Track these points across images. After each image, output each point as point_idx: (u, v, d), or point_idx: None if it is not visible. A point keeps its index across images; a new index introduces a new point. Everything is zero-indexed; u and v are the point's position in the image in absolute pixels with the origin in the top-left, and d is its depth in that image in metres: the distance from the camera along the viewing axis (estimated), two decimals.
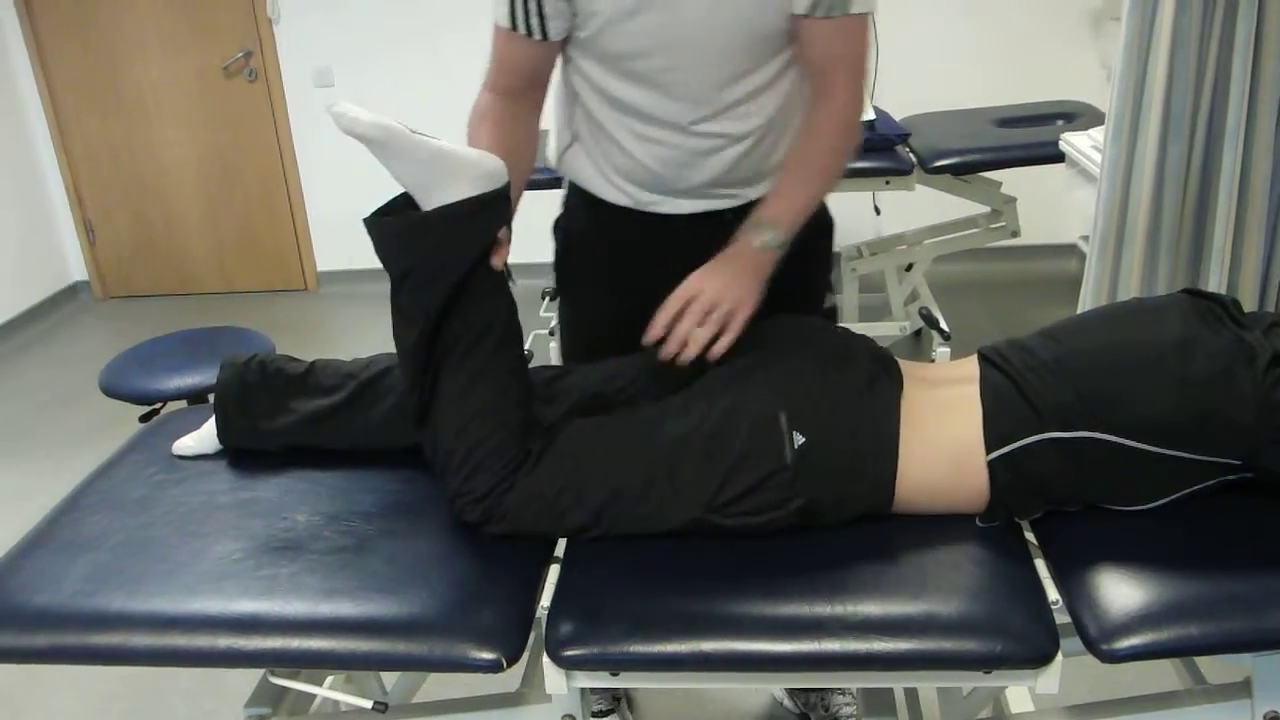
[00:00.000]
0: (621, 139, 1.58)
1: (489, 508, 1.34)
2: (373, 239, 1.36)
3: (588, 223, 1.72)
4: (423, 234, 1.34)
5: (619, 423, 1.38)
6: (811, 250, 1.59)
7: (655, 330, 1.39)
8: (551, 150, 1.71)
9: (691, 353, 1.37)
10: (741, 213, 1.56)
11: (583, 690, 1.32)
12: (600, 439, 1.36)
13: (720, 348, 1.37)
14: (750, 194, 1.61)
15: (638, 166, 1.59)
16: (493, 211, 1.37)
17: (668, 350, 1.38)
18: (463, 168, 1.36)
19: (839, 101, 1.51)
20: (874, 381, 1.36)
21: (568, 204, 1.79)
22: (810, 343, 1.41)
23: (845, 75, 1.50)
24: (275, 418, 1.53)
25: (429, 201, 1.37)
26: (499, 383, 1.37)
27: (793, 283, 1.54)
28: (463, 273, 1.34)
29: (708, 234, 1.55)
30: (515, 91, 1.55)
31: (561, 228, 1.79)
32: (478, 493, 1.34)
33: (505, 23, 1.51)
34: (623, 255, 1.69)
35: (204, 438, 1.57)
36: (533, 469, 1.34)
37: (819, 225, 1.69)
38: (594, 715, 2.06)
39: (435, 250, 1.34)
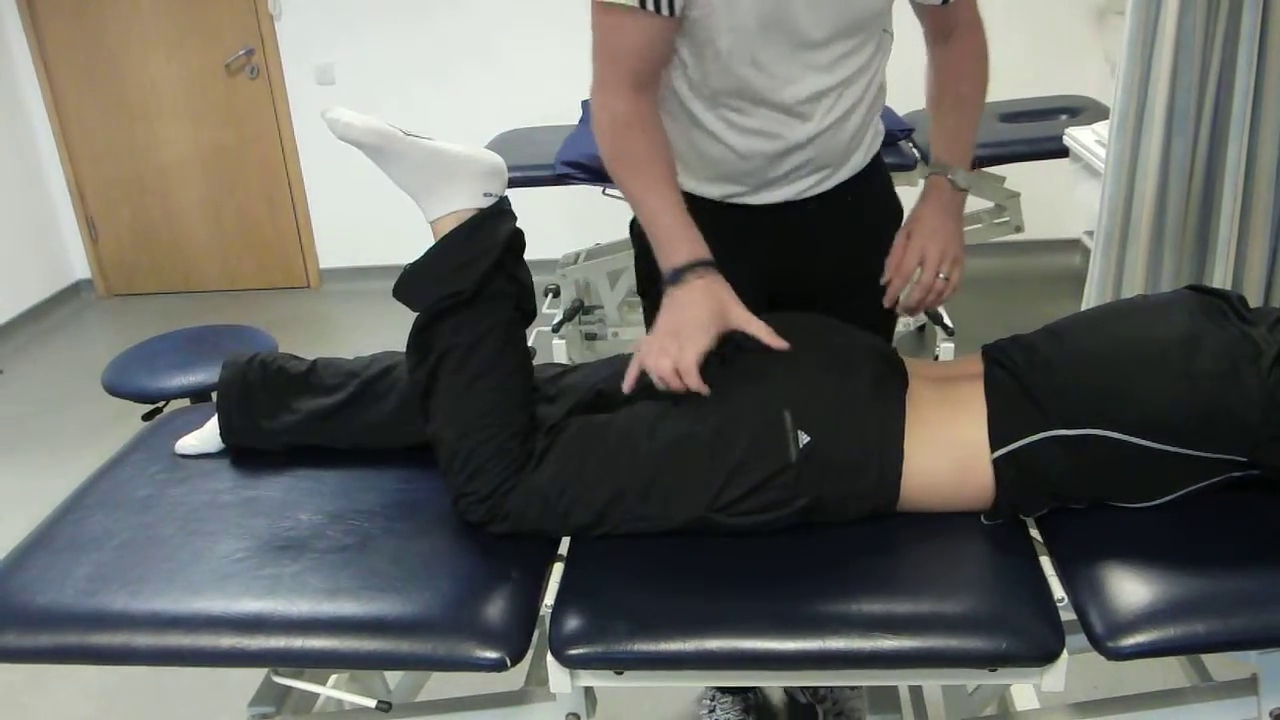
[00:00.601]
0: (715, 129, 1.53)
1: (492, 508, 1.34)
2: (401, 298, 1.38)
3: None
4: (434, 269, 1.36)
5: (622, 421, 1.37)
6: (885, 239, 1.59)
7: (890, 299, 1.55)
8: None
9: (932, 302, 1.54)
10: (824, 199, 1.60)
11: (586, 689, 1.31)
12: (603, 438, 1.35)
13: (947, 293, 1.54)
14: (831, 180, 1.61)
15: (728, 155, 1.56)
16: (495, 221, 1.38)
17: (911, 302, 1.55)
18: (460, 166, 1.36)
19: (968, 45, 1.57)
20: (879, 381, 1.35)
21: None
22: (814, 341, 1.40)
23: (968, 32, 1.56)
24: (278, 417, 1.53)
25: (430, 205, 1.37)
26: (501, 385, 1.37)
27: (862, 270, 1.58)
28: (475, 284, 1.34)
29: (792, 224, 1.60)
30: (642, 83, 1.45)
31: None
32: (481, 493, 1.33)
33: (632, 1, 1.39)
34: (716, 251, 1.63)
35: (207, 437, 1.57)
36: (535, 469, 1.34)
37: (891, 214, 1.71)
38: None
39: (447, 279, 1.35)
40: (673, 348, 1.32)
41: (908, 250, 1.55)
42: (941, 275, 1.54)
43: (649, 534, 1.32)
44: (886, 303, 1.55)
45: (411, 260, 1.39)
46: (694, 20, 1.41)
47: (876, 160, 1.69)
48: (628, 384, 1.36)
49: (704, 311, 1.34)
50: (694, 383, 1.31)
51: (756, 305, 1.42)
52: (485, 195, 1.40)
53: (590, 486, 1.32)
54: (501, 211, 1.41)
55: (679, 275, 1.37)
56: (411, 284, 1.37)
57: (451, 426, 1.36)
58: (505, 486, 1.33)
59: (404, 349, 1.53)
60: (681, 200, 1.44)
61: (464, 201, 1.38)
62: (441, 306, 1.35)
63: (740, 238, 1.60)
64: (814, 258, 1.65)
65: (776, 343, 1.34)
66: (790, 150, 1.54)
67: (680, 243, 1.40)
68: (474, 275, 1.35)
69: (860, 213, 1.66)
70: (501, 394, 1.36)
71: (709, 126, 1.53)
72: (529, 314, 1.44)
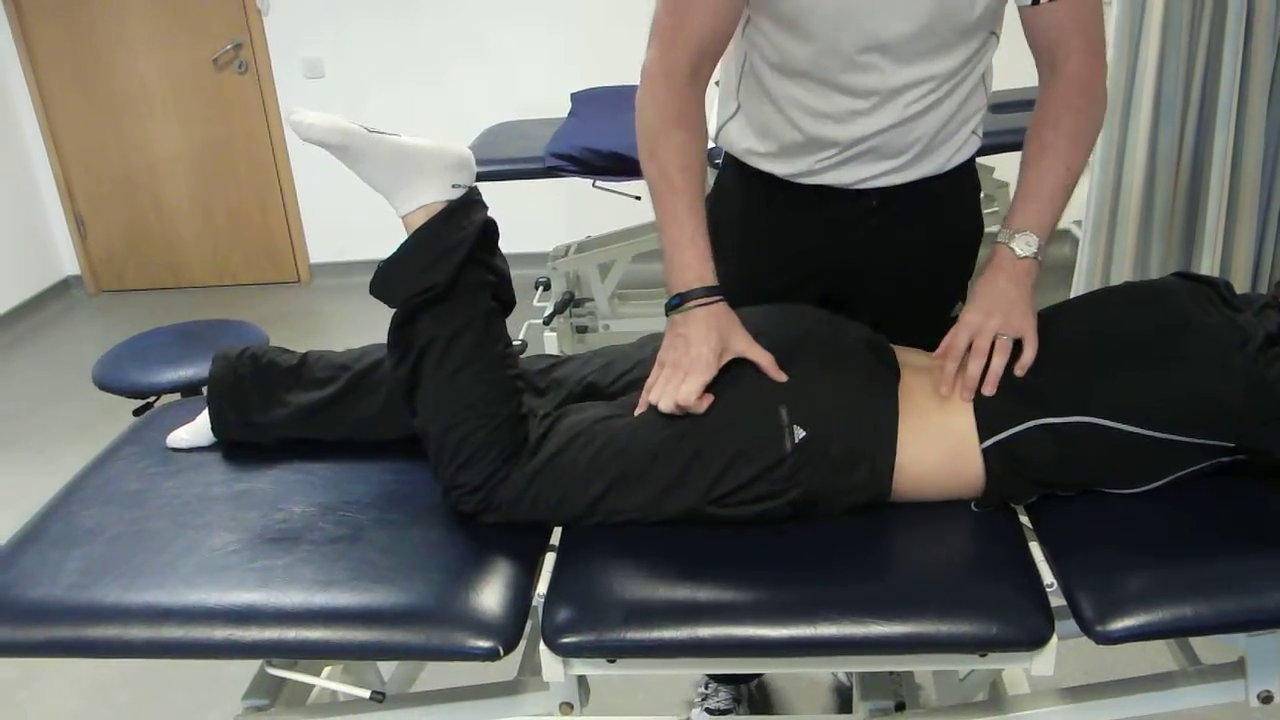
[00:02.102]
0: (786, 108, 1.50)
1: (484, 498, 1.34)
2: (378, 295, 1.37)
3: (743, 204, 1.62)
4: (408, 264, 1.35)
5: (618, 423, 1.36)
6: (956, 254, 1.51)
7: (945, 384, 1.35)
8: (711, 125, 1.58)
9: (990, 390, 1.32)
10: (886, 197, 1.55)
11: (579, 678, 1.32)
12: (598, 429, 1.35)
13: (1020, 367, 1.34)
14: (899, 176, 1.55)
15: (795, 134, 1.52)
16: (465, 212, 1.37)
17: (968, 393, 1.33)
18: (428, 161, 1.35)
19: (1070, 73, 1.42)
20: (873, 374, 1.35)
21: (719, 183, 1.68)
22: (808, 333, 1.40)
23: (1079, 41, 1.41)
24: (269, 410, 1.52)
25: (399, 201, 1.37)
26: (484, 376, 1.36)
27: (937, 284, 1.51)
28: (450, 276, 1.34)
29: (852, 216, 1.56)
30: (700, 67, 1.40)
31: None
32: (471, 484, 1.33)
33: None
34: (778, 233, 1.60)
35: (198, 430, 1.57)
36: (529, 459, 1.34)
37: (966, 231, 1.65)
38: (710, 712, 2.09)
39: (422, 273, 1.34)
40: (676, 381, 1.32)
41: (959, 327, 1.39)
42: (1004, 337, 1.34)
43: (641, 523, 1.33)
44: (942, 391, 1.35)
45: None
46: None
47: (962, 171, 1.61)
48: (638, 412, 1.36)
49: (706, 346, 1.33)
50: (697, 410, 1.31)
51: (792, 289, 1.41)
52: (454, 187, 1.38)
53: (584, 477, 1.32)
54: (472, 202, 1.40)
55: (683, 301, 1.36)
56: (387, 280, 1.36)
57: (437, 420, 1.36)
58: (496, 477, 1.33)
59: None
60: (703, 214, 1.40)
61: (433, 195, 1.37)
62: (418, 301, 1.34)
63: (798, 218, 1.58)
64: (873, 260, 1.61)
65: (777, 375, 1.33)
66: (856, 136, 1.49)
67: (690, 261, 1.37)
68: (448, 268, 1.34)
69: (929, 219, 1.60)
70: (485, 385, 1.36)
71: (781, 104, 1.50)
72: (508, 304, 1.43)
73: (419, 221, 1.37)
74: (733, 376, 1.34)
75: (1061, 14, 1.39)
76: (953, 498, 1.34)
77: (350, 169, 1.36)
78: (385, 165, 1.34)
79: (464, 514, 1.36)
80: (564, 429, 1.36)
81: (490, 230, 1.41)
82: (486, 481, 1.33)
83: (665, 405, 1.31)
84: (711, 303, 1.36)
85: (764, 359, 1.35)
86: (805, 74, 1.46)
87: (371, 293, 1.37)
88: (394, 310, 1.36)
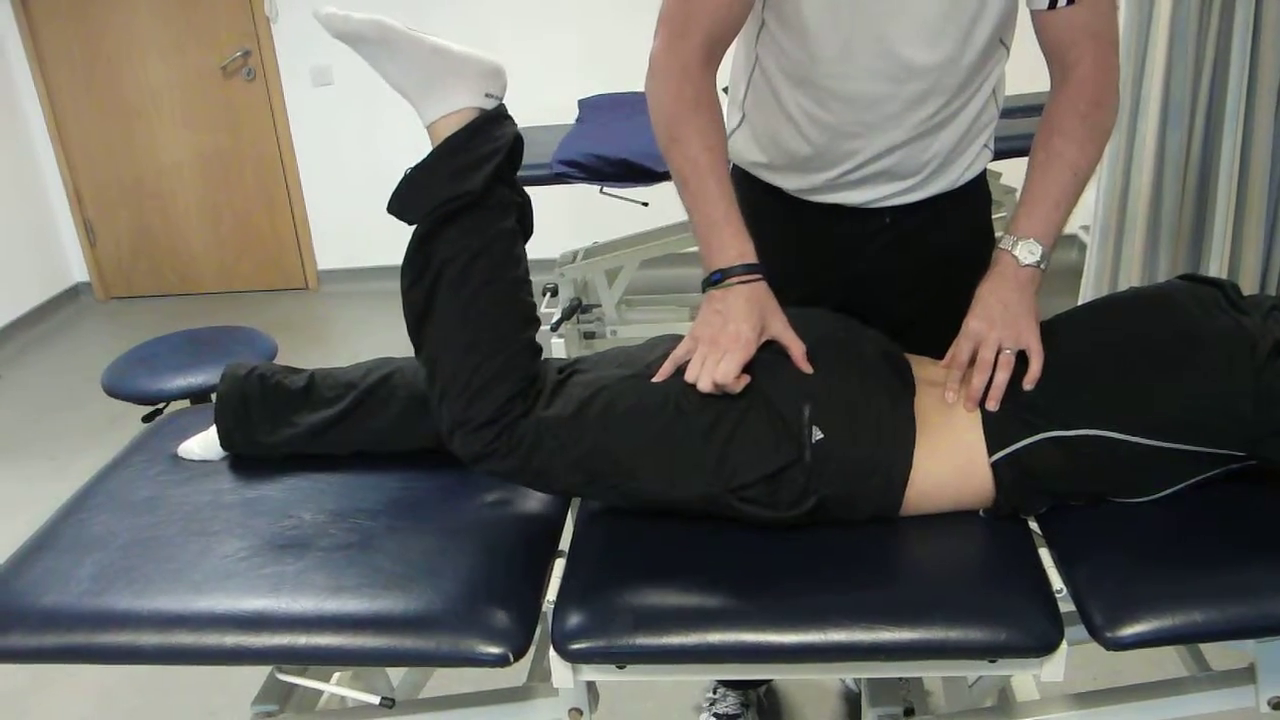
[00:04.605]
0: (797, 119, 1.49)
1: (496, 436, 1.29)
2: (399, 210, 1.32)
3: (751, 214, 1.58)
4: (438, 170, 1.30)
5: (646, 388, 1.32)
6: (977, 268, 1.46)
7: (950, 390, 1.34)
8: None
9: (992, 404, 1.31)
10: (899, 215, 1.54)
11: (588, 684, 1.32)
12: (627, 391, 1.32)
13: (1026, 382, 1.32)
14: (913, 194, 1.54)
15: (804, 148, 1.51)
16: (499, 123, 1.34)
17: (971, 404, 1.32)
18: (465, 64, 1.32)
19: (1081, 78, 1.40)
20: (890, 388, 1.34)
21: None
22: (829, 337, 1.39)
23: (1092, 45, 1.39)
24: (277, 431, 1.52)
25: (429, 105, 1.32)
26: (507, 296, 1.32)
27: (950, 295, 1.45)
28: (483, 185, 1.29)
29: (866, 233, 1.55)
30: (713, 52, 1.38)
31: None
32: (481, 418, 1.28)
33: None
34: (788, 246, 1.58)
35: (209, 445, 1.56)
36: (548, 404, 1.30)
37: (977, 246, 1.58)
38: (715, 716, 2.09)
39: (452, 180, 1.29)
40: (712, 359, 1.29)
41: (961, 336, 1.38)
42: (1007, 350, 1.33)
43: (650, 529, 1.33)
44: (947, 397, 1.35)
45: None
46: None
47: (974, 185, 1.59)
48: (660, 379, 1.33)
49: (746, 325, 1.31)
50: (734, 391, 1.29)
51: (805, 300, 1.40)
52: (487, 96, 1.34)
53: (611, 435, 1.29)
54: (503, 115, 1.36)
55: (723, 277, 1.34)
56: (412, 191, 1.30)
57: (451, 346, 1.30)
58: (512, 412, 1.29)
59: (401, 354, 1.53)
60: (733, 193, 1.37)
61: (466, 100, 1.32)
62: (445, 212, 1.29)
63: (808, 234, 1.57)
64: (885, 275, 1.59)
65: (805, 365, 1.32)
66: (868, 155, 1.49)
67: (729, 240, 1.35)
68: (482, 176, 1.29)
69: (942, 233, 1.58)
70: (505, 308, 1.31)
71: (792, 114, 1.49)
72: (529, 231, 1.39)
73: (449, 128, 1.32)
74: (764, 365, 1.31)
75: (1075, 18, 1.38)
76: (961, 509, 1.33)
77: (378, 69, 1.31)
78: (421, 63, 1.29)
79: (469, 458, 1.31)
80: (588, 381, 1.33)
81: (517, 148, 1.37)
82: (500, 415, 1.29)
83: (704, 385, 1.28)
84: (753, 280, 1.34)
85: (797, 347, 1.33)
86: (815, 83, 1.45)
87: (391, 210, 1.31)
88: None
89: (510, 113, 1.38)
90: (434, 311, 1.31)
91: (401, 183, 1.31)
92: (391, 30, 1.28)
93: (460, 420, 1.30)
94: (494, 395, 1.29)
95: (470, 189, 1.29)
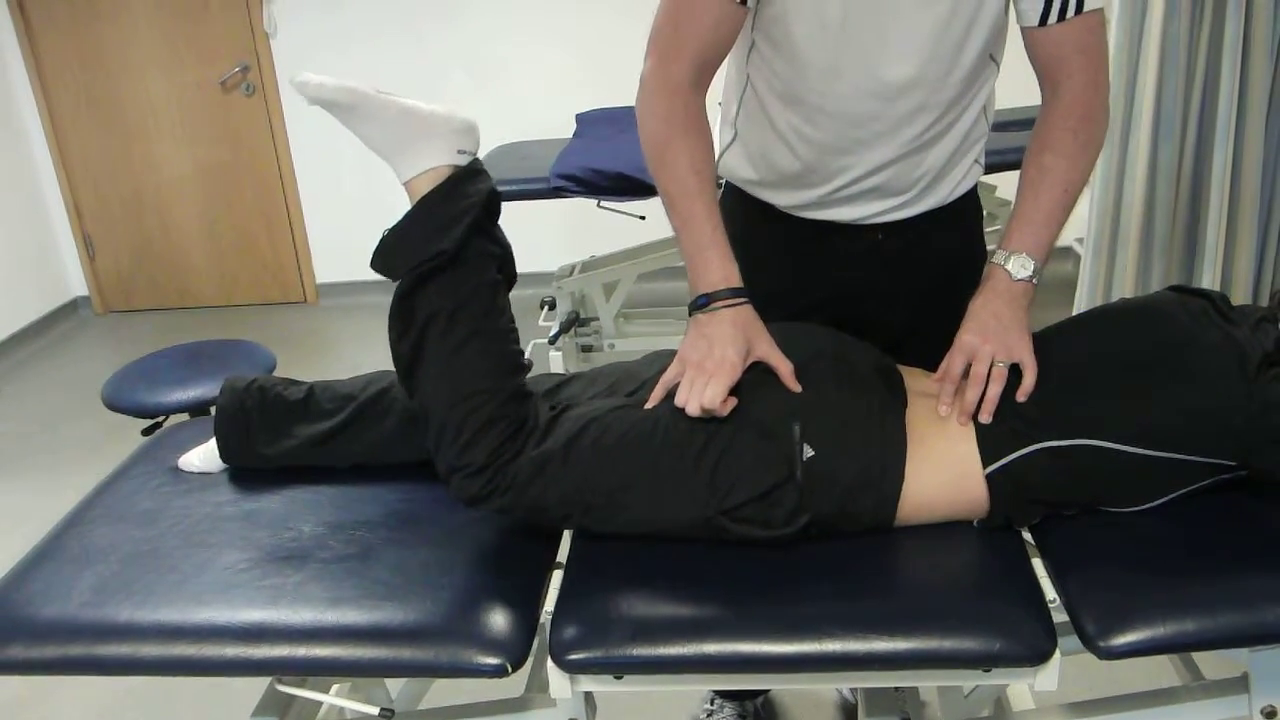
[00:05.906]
0: (787, 136, 1.50)
1: (491, 479, 1.31)
2: (381, 267, 1.35)
3: (744, 229, 1.56)
4: (413, 232, 1.33)
5: (635, 417, 1.35)
6: (970, 282, 1.47)
7: (944, 403, 1.35)
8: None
9: (985, 417, 1.32)
10: (891, 230, 1.55)
11: (586, 694, 1.33)
12: (611, 420, 1.34)
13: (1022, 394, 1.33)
14: (905, 210, 1.55)
15: (795, 164, 1.52)
16: (472, 180, 1.37)
17: (965, 418, 1.33)
18: (435, 124, 1.35)
19: (1071, 94, 1.41)
20: (883, 403, 1.35)
21: (721, 205, 1.65)
22: (821, 352, 1.39)
23: (1081, 61, 1.40)
24: (276, 443, 1.53)
25: (404, 165, 1.35)
26: (490, 348, 1.35)
27: (943, 309, 1.46)
28: (457, 243, 1.32)
29: (858, 250, 1.56)
30: (699, 75, 1.40)
31: None
32: (476, 464, 1.31)
33: None
34: (781, 261, 1.60)
35: (209, 458, 1.57)
36: (540, 442, 1.32)
37: (970, 260, 1.63)
38: None
39: (428, 240, 1.32)
40: (699, 384, 1.30)
41: (954, 350, 1.39)
42: (1000, 364, 1.34)
43: (647, 541, 1.33)
44: (941, 410, 1.35)
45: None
46: (771, 17, 1.39)
47: (965, 199, 1.61)
48: (651, 405, 1.35)
49: (731, 349, 1.32)
50: (721, 414, 1.30)
51: (797, 316, 1.42)
52: (459, 153, 1.38)
53: (601, 467, 1.30)
54: (477, 171, 1.39)
55: (709, 301, 1.36)
56: (391, 250, 1.34)
57: (440, 396, 1.33)
58: (504, 455, 1.31)
59: None
60: (719, 216, 1.39)
61: (438, 159, 1.36)
62: (423, 271, 1.32)
63: (800, 250, 1.58)
64: (877, 289, 1.60)
65: (793, 385, 1.33)
66: (859, 172, 1.50)
67: (714, 264, 1.37)
68: (456, 234, 1.32)
69: (934, 248, 1.60)
70: (492, 358, 1.34)
71: (783, 132, 1.51)
72: (511, 278, 1.42)
73: (423, 188, 1.36)
74: (752, 385, 1.33)
75: (1065, 35, 1.39)
76: (955, 520, 1.34)
77: (353, 131, 1.35)
78: (393, 126, 1.32)
79: (468, 501, 1.33)
80: (578, 415, 1.35)
81: (494, 202, 1.40)
82: (492, 460, 1.31)
83: (693, 409, 1.29)
84: (738, 304, 1.36)
85: (784, 367, 1.34)
86: (805, 102, 1.46)
87: (374, 266, 1.35)
88: (395, 288, 1.35)
89: (484, 168, 1.41)
90: (422, 364, 1.35)
91: (381, 242, 1.35)
92: (362, 95, 1.31)
93: (455, 466, 1.33)
94: (485, 443, 1.31)
95: (445, 248, 1.32)
